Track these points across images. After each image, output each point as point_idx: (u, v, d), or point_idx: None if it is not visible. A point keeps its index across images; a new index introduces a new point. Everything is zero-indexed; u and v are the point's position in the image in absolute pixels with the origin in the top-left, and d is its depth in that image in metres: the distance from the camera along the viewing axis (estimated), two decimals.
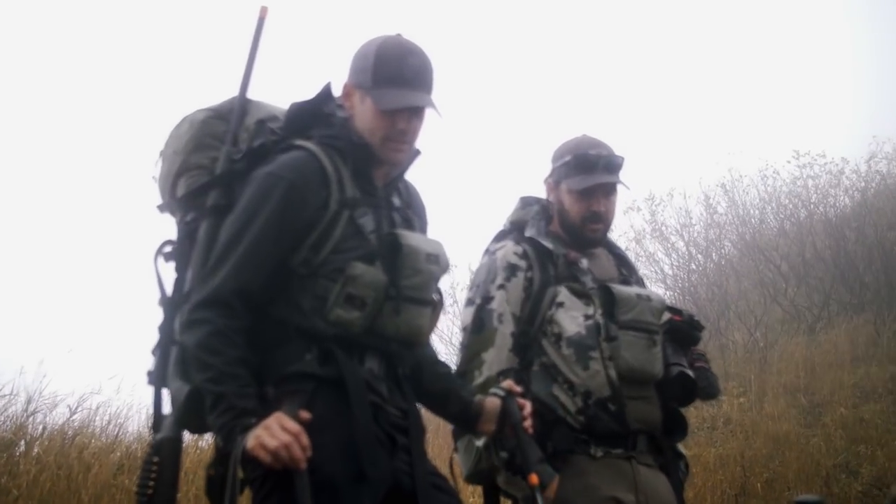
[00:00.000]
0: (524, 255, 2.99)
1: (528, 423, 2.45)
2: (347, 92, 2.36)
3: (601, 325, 2.91)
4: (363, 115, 2.31)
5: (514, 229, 3.11)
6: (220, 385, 2.02)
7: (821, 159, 14.04)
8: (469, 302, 3.00)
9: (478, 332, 2.91)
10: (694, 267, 14.55)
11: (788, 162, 14.37)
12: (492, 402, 2.48)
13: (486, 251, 3.09)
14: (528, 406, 2.48)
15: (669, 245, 14.70)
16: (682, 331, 3.12)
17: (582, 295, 2.96)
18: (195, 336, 2.08)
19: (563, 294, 2.94)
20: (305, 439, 1.98)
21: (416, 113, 2.32)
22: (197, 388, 2.08)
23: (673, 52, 29.01)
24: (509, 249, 3.00)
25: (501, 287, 2.93)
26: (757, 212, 15.06)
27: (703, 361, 3.13)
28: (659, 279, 14.49)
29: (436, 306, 2.38)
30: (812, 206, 14.23)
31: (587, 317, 2.91)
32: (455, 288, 12.16)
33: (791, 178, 14.61)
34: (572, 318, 2.90)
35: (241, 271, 2.13)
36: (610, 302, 2.96)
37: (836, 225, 13.28)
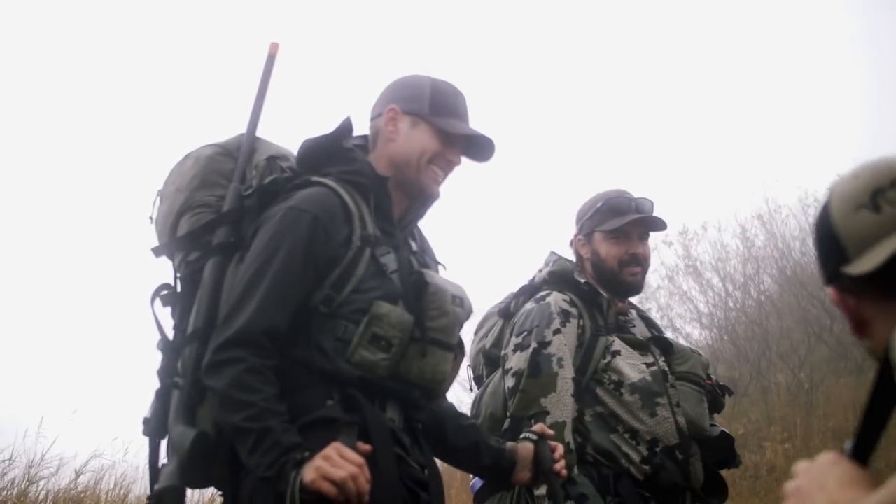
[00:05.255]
0: (573, 304, 3.08)
1: (559, 466, 2.45)
2: (393, 115, 2.40)
3: (667, 372, 3.02)
4: (413, 139, 2.37)
5: (554, 280, 3.19)
6: (262, 422, 2.00)
7: None
8: (520, 346, 3.03)
9: (535, 377, 2.94)
10: (731, 304, 14.44)
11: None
12: (525, 448, 2.48)
13: (534, 299, 3.15)
14: (559, 449, 2.48)
15: (704, 282, 14.62)
16: (712, 394, 3.20)
17: (637, 345, 3.07)
18: (227, 376, 2.06)
19: (618, 343, 3.05)
20: (368, 472, 1.97)
21: (461, 151, 2.43)
22: (204, 433, 2.09)
23: (705, 77, 29.10)
24: (559, 297, 3.09)
25: (558, 332, 3.00)
26: (798, 244, 14.93)
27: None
28: (694, 318, 14.41)
29: (457, 354, 2.38)
30: None
31: (649, 364, 3.02)
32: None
33: None
34: (632, 365, 3.00)
35: (268, 308, 2.12)
36: (667, 352, 3.10)
37: None
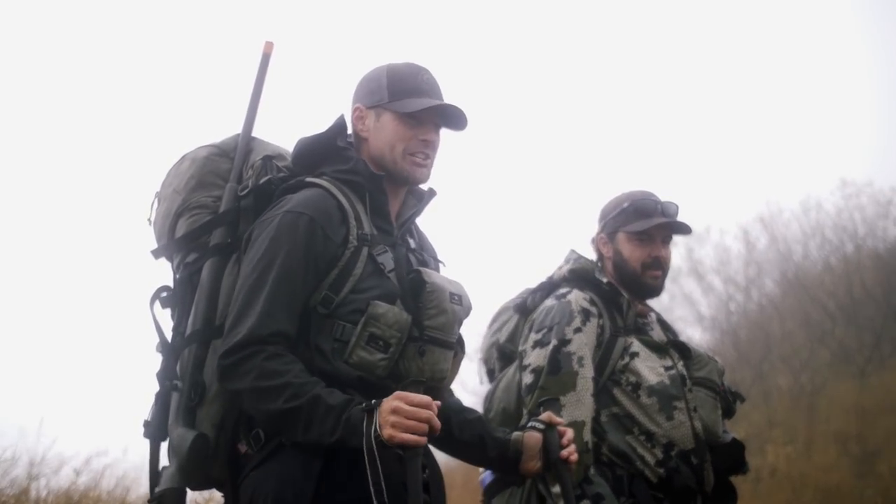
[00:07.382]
0: (593, 303, 3.09)
1: (567, 452, 2.39)
2: (359, 115, 2.37)
3: (685, 377, 3.03)
4: (380, 132, 2.33)
5: (575, 278, 3.18)
6: (306, 395, 2.02)
7: (868, 188, 13.99)
8: (539, 343, 3.04)
9: (554, 374, 2.96)
10: (733, 307, 14.48)
11: (832, 193, 14.35)
12: (532, 438, 2.42)
13: (554, 296, 3.15)
14: (568, 433, 2.43)
15: (706, 284, 14.64)
16: (725, 400, 3.20)
17: (656, 348, 3.08)
18: (249, 374, 2.05)
19: (637, 345, 3.06)
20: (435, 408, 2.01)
21: (435, 128, 2.36)
22: (203, 434, 2.10)
23: (708, 80, 29.09)
24: (579, 295, 3.09)
25: (579, 330, 3.01)
26: (799, 247, 14.95)
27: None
28: (696, 320, 14.42)
29: (458, 351, 2.36)
30: (860, 239, 14.11)
31: (667, 368, 3.03)
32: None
33: (836, 210, 14.49)
34: (651, 367, 3.01)
35: (273, 313, 2.11)
36: (685, 356, 3.11)
37: (887, 259, 13.18)
